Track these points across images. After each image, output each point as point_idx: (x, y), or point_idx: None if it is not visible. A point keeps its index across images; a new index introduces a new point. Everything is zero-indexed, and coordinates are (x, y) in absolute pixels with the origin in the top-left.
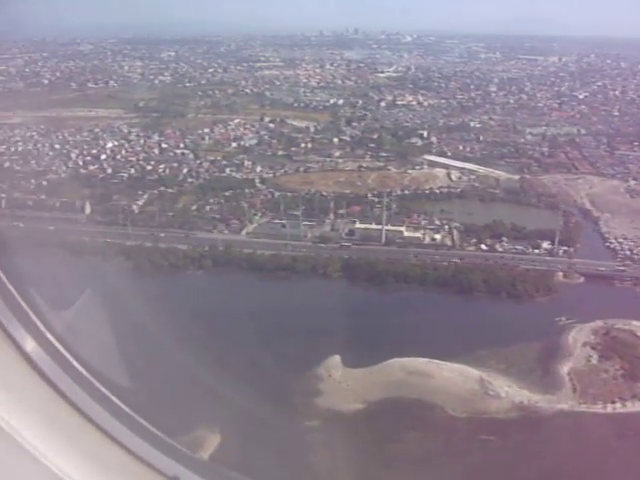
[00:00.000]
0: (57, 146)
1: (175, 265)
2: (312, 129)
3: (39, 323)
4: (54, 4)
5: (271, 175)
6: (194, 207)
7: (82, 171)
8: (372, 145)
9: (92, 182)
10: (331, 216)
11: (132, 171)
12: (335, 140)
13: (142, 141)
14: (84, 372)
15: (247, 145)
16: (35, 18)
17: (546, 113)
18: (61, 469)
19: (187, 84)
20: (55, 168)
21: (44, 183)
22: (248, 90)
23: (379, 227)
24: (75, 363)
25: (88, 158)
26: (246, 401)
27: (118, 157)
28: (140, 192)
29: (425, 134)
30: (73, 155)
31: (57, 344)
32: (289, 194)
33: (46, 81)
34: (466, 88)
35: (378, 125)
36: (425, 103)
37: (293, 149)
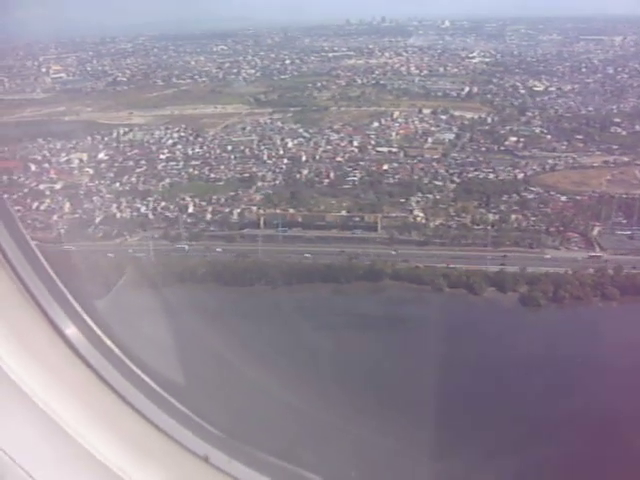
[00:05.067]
0: (244, 148)
1: None
2: (489, 120)
3: (79, 308)
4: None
5: (522, 175)
6: (491, 218)
7: (296, 176)
8: (579, 137)
9: (321, 189)
10: None
11: (359, 174)
12: (536, 131)
13: (320, 138)
14: (121, 355)
15: (445, 140)
16: (43, 20)
17: None
18: (97, 449)
19: (282, 76)
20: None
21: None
22: (359, 80)
23: None
24: (113, 347)
25: (285, 161)
26: None
27: (317, 157)
28: (402, 200)
29: (618, 121)
30: (265, 157)
31: (95, 328)
32: (578, 197)
33: (124, 79)
34: (580, 71)
35: (553, 113)
36: (566, 88)
37: (507, 144)
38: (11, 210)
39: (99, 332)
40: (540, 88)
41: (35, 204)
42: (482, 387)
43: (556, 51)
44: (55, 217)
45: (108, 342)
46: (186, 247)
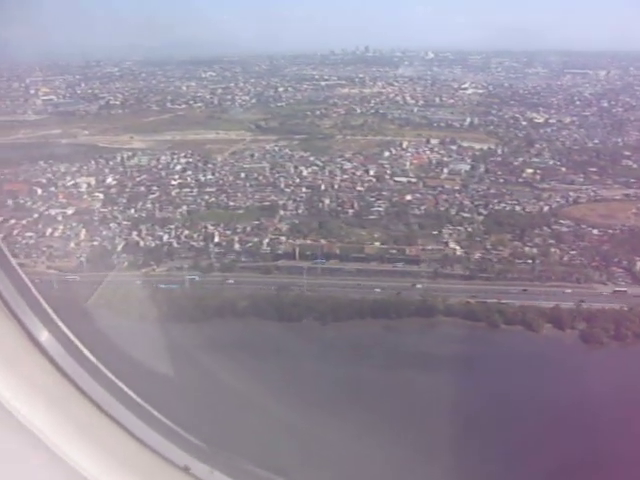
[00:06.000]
0: (258, 175)
1: None
2: (499, 151)
3: (53, 314)
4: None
5: (548, 207)
6: (530, 251)
7: (319, 205)
8: (593, 169)
9: (346, 220)
10: None
11: (384, 205)
12: (550, 163)
13: (334, 167)
14: (96, 362)
15: (461, 170)
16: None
17: None
18: (73, 459)
19: (278, 104)
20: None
21: None
22: (358, 109)
23: None
24: (88, 354)
25: (304, 189)
26: None
27: (335, 186)
28: (434, 232)
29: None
30: (282, 185)
31: (71, 335)
32: (610, 231)
33: (117, 102)
34: (574, 104)
35: (561, 146)
36: (566, 121)
37: (525, 176)
38: None
39: (75, 340)
40: (540, 120)
41: (49, 230)
42: (556, 432)
43: (545, 84)
44: (72, 244)
45: (85, 351)
46: (231, 280)
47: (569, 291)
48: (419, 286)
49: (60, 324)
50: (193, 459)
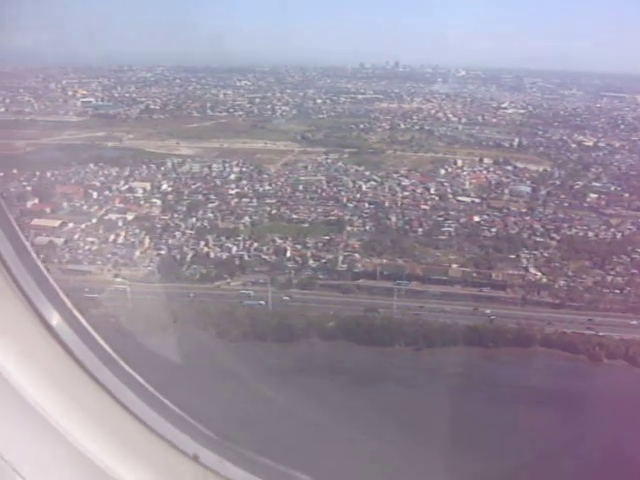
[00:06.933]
0: (316, 189)
1: None
2: (556, 174)
3: (66, 299)
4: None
5: (620, 234)
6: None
7: (386, 223)
8: None
9: (417, 239)
10: None
11: (453, 225)
12: (611, 188)
13: (393, 183)
14: (108, 349)
15: (523, 192)
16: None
17: None
18: (83, 445)
19: (319, 116)
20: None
21: None
22: (402, 125)
23: None
24: (100, 341)
25: (366, 205)
26: None
27: (398, 203)
28: (511, 256)
29: None
30: (343, 199)
31: (83, 321)
32: None
33: (156, 107)
34: (619, 128)
35: (617, 170)
36: (616, 145)
37: (589, 200)
38: (4, 207)
39: (87, 326)
40: (589, 143)
41: (111, 236)
42: None
43: (584, 106)
44: (138, 252)
45: (99, 339)
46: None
47: None
48: (507, 312)
49: (72, 309)
50: (203, 448)
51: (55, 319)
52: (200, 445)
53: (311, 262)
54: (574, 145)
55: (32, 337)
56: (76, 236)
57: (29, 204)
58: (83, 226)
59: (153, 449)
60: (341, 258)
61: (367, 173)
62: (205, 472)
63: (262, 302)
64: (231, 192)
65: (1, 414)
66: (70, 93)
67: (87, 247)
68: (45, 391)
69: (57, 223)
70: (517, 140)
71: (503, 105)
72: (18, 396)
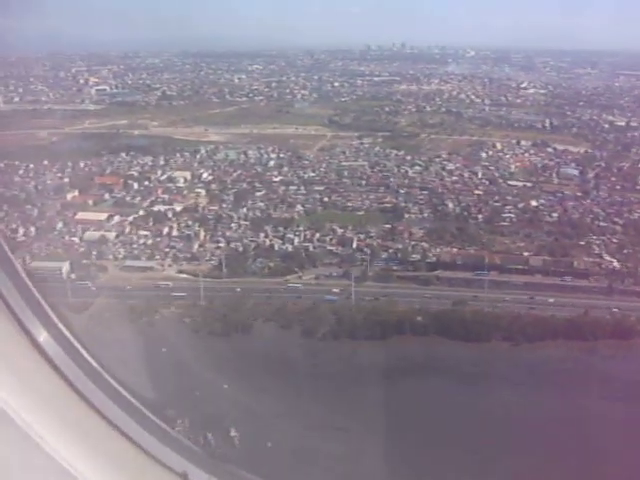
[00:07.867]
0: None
1: None
2: (597, 155)
3: (52, 315)
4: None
5: None
6: None
7: (444, 209)
8: None
9: (479, 226)
10: None
11: (513, 211)
12: None
13: (438, 167)
14: (95, 365)
15: (572, 175)
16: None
17: None
18: (70, 462)
19: (341, 99)
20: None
21: None
22: (428, 107)
23: None
24: (87, 356)
25: (419, 191)
26: None
27: (450, 189)
28: (581, 242)
29: None
30: (394, 185)
31: (70, 337)
32: None
33: (173, 94)
34: None
35: None
36: None
37: None
38: None
39: (74, 341)
40: (622, 123)
41: (165, 229)
42: None
43: (604, 85)
44: (196, 246)
45: (85, 354)
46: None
47: None
48: (596, 303)
49: (58, 324)
50: (192, 466)
51: (41, 333)
52: (189, 463)
53: (380, 252)
54: (606, 125)
55: (21, 356)
56: (127, 230)
57: (69, 197)
58: (131, 218)
59: (141, 466)
60: (410, 248)
61: (408, 158)
62: None
63: (335, 298)
64: (275, 180)
65: None
66: (82, 81)
67: (141, 241)
68: (34, 410)
69: (103, 216)
70: (548, 121)
71: (522, 85)
72: (5, 415)
